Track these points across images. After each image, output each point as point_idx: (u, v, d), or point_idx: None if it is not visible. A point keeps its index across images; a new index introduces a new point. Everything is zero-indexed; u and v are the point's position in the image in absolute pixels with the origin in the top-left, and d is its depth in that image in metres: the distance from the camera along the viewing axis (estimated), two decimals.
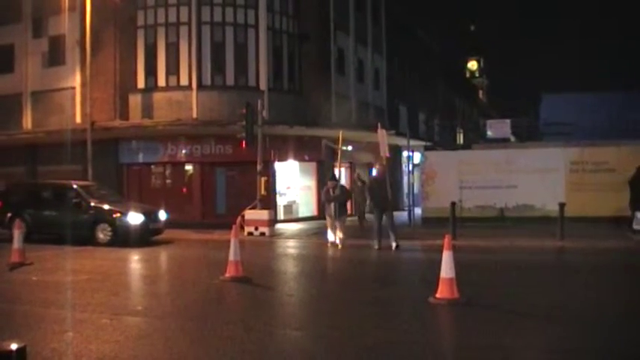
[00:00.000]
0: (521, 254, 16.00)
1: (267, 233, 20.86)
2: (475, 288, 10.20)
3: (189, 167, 26.58)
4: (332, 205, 17.68)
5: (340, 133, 19.18)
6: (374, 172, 17.59)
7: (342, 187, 18.77)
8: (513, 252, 16.49)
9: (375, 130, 18.70)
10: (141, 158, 26.83)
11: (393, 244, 16.48)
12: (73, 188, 19.49)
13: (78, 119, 25.94)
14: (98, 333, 7.69)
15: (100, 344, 7.16)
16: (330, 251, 17.11)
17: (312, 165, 28.05)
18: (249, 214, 21.51)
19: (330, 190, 17.73)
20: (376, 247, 16.68)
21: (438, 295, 9.31)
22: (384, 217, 16.96)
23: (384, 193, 16.80)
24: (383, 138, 18.16)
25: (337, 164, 19.78)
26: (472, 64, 76.94)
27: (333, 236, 17.83)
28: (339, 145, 18.89)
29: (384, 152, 17.87)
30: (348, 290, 11.42)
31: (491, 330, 7.86)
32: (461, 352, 7.13)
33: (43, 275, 12.52)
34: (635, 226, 18.30)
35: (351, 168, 31.58)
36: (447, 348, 7.52)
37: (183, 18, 25.19)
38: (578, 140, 26.27)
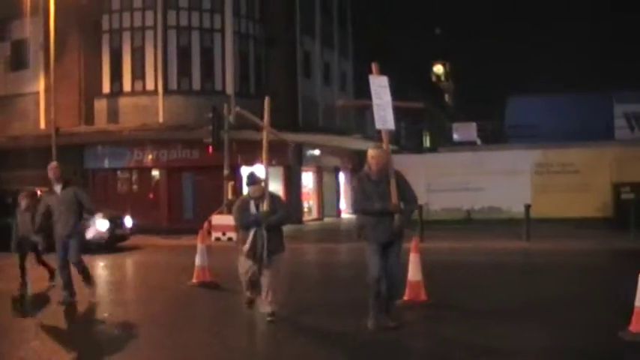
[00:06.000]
0: (487, 256, 16.15)
1: (234, 238, 20.73)
2: (443, 290, 10.26)
3: (155, 172, 26.39)
4: (251, 234, 8.50)
5: (266, 101, 10.54)
6: (366, 167, 8.49)
7: (275, 197, 9.33)
8: (480, 254, 16.64)
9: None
10: (107, 164, 26.59)
11: (391, 323, 7.89)
12: (36, 194, 19.13)
13: (42, 125, 25.60)
14: (64, 342, 7.58)
15: (65, 354, 7.06)
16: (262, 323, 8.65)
17: (280, 169, 27.98)
18: (217, 219, 21.41)
19: (251, 204, 8.64)
20: (370, 325, 7.81)
21: (406, 298, 9.34)
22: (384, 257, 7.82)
23: (387, 206, 7.80)
24: (382, 95, 9.35)
25: (264, 157, 10.16)
26: (438, 68, 77.31)
27: (250, 297, 9.08)
28: (266, 119, 10.73)
29: (383, 124, 9.07)
30: (315, 292, 11.39)
31: (460, 331, 7.90)
32: (429, 353, 7.16)
33: (7, 283, 12.30)
34: None
35: (319, 173, 31.54)
36: (415, 349, 7.54)
37: (149, 22, 25.03)
38: (544, 142, 26.65)
